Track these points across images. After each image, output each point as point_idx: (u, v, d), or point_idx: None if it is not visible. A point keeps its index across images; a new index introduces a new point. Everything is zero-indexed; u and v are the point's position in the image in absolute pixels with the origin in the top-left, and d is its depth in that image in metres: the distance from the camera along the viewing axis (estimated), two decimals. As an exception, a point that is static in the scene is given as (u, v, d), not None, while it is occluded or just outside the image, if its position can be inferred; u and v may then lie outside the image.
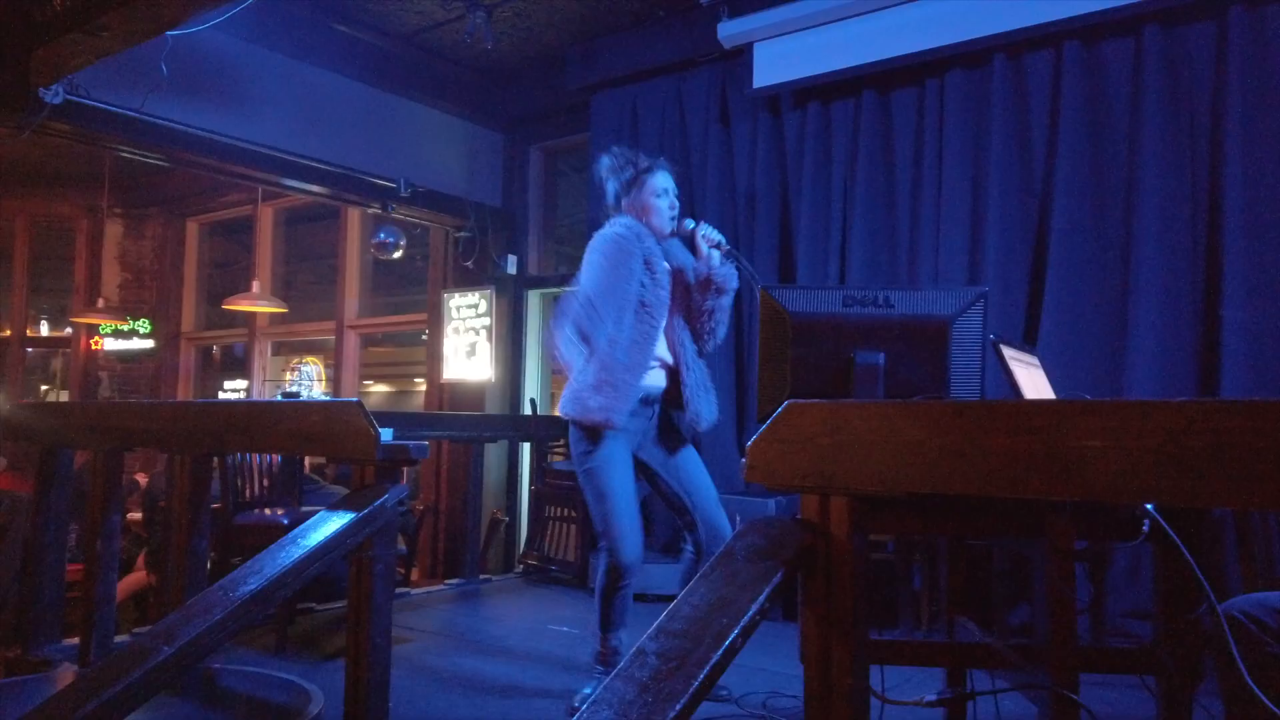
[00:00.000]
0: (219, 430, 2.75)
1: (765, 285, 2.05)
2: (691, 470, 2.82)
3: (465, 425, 5.19)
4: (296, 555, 1.98)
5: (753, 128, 4.87)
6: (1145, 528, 1.36)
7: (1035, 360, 2.04)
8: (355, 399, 2.33)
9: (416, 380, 9.82)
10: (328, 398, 6.18)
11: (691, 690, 1.22)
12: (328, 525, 2.08)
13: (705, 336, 2.82)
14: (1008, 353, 1.77)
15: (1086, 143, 3.85)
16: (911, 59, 4.23)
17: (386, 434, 2.19)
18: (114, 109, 4.47)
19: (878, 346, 1.92)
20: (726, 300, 2.78)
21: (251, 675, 2.72)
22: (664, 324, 2.73)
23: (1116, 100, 3.82)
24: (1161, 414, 1.12)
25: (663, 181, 2.79)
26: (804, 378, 1.97)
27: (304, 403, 2.68)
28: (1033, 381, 1.88)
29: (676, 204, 2.82)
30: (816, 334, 1.97)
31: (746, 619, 1.31)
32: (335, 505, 2.20)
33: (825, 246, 4.52)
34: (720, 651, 1.26)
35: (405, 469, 2.33)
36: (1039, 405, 1.31)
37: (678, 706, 1.20)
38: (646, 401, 2.74)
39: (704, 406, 2.79)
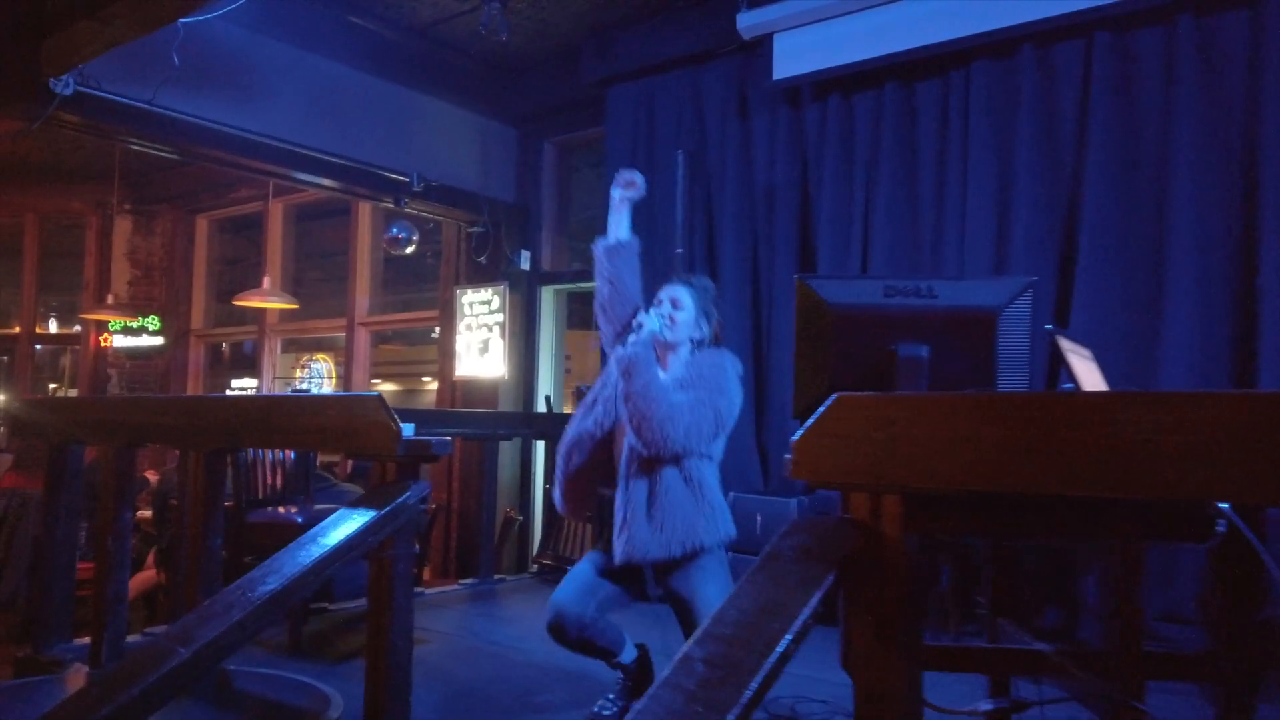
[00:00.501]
0: (233, 426, 2.68)
1: (801, 276, 1.97)
2: (679, 620, 2.54)
3: (479, 423, 5.13)
4: (316, 554, 1.91)
5: (772, 121, 4.79)
6: (1221, 527, 1.28)
7: (1089, 353, 1.96)
8: (375, 393, 2.26)
9: (425, 379, 9.76)
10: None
11: (744, 700, 1.14)
12: (348, 523, 2.01)
13: (635, 432, 2.39)
14: (1064, 344, 1.70)
15: (1117, 134, 3.77)
16: (935, 49, 4.14)
17: (408, 429, 2.12)
18: (125, 100, 4.39)
19: (921, 338, 1.83)
20: (629, 385, 2.38)
21: (267, 677, 2.65)
22: (609, 427, 2.57)
23: (1149, 90, 3.73)
24: (1245, 406, 1.05)
25: (663, 292, 2.65)
26: (843, 371, 1.89)
27: (322, 397, 2.62)
28: (1089, 374, 1.80)
29: (673, 311, 2.58)
30: (856, 326, 1.89)
31: (799, 623, 1.24)
32: (355, 503, 2.14)
33: (846, 241, 4.44)
34: (774, 658, 1.19)
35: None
36: (1111, 398, 1.23)
37: (730, 717, 1.12)
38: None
39: (639, 531, 2.38)
